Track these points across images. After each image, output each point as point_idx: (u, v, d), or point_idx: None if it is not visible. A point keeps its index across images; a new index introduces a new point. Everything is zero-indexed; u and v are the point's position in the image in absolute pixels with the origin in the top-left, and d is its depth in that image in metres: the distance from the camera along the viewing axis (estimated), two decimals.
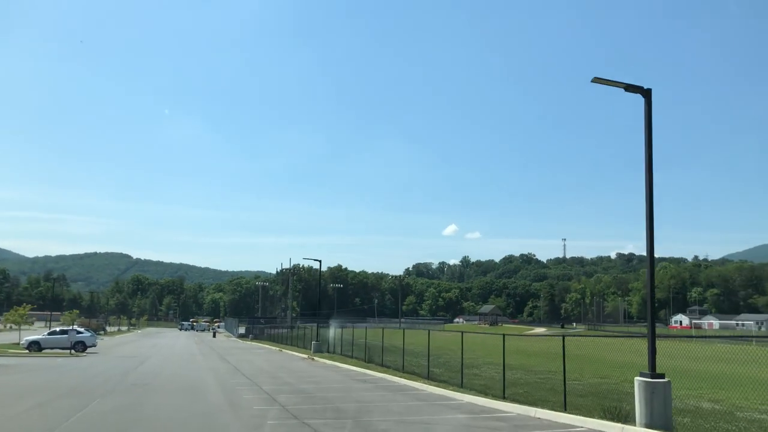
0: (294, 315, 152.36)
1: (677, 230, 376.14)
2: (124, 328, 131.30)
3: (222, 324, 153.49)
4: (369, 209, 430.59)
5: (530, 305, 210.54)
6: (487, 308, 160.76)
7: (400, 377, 25.35)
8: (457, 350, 36.80)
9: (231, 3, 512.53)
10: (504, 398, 18.54)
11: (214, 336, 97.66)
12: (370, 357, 33.53)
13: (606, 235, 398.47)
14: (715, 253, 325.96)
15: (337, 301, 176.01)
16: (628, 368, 25.77)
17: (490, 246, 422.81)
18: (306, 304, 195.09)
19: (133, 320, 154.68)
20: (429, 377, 24.49)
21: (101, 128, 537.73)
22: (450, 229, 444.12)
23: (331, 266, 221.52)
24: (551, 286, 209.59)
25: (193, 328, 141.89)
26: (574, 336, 28.74)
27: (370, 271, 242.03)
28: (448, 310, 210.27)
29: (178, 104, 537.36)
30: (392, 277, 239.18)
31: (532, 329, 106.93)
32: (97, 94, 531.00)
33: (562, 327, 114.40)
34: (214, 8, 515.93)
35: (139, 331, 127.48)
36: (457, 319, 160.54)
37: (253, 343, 72.07)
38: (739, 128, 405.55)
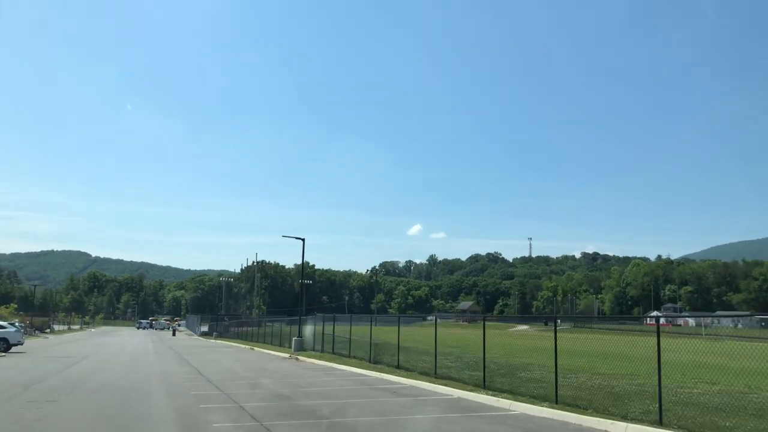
0: (260, 312, 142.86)
1: (638, 231, 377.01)
2: (76, 327, 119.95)
3: (183, 322, 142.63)
4: (334, 209, 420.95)
5: (501, 303, 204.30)
6: (465, 305, 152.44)
7: (443, 385, 17.26)
8: (470, 347, 29.11)
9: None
10: (660, 423, 10.82)
11: (174, 334, 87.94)
12: (376, 356, 25.28)
13: (567, 235, 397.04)
14: (674, 254, 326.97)
15: (305, 299, 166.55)
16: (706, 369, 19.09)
17: (455, 246, 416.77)
18: (272, 302, 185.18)
19: (87, 318, 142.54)
20: (485, 386, 16.47)
21: (59, 123, 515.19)
22: (415, 229, 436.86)
23: (298, 263, 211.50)
24: (522, 284, 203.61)
25: (151, 327, 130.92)
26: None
27: (335, 269, 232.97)
28: (418, 308, 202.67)
29: (141, 99, 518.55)
30: (360, 274, 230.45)
31: (515, 326, 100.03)
32: (55, 88, 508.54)
33: (545, 324, 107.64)
34: (181, 3, 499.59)
35: (93, 330, 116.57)
36: (430, 317, 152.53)
37: (218, 341, 62.91)
38: (697, 133, 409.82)
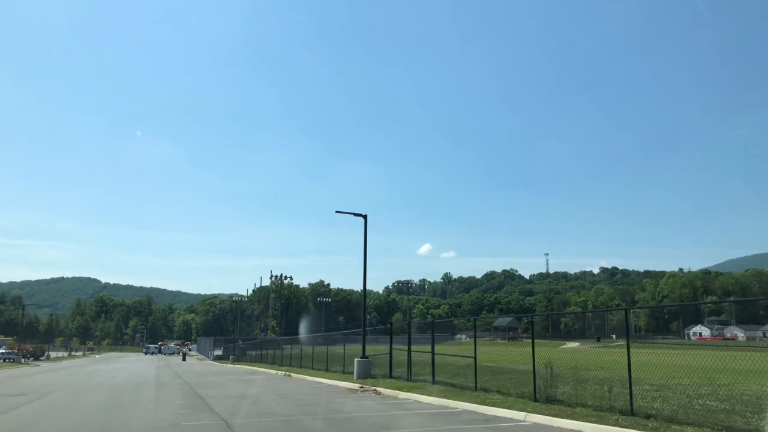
0: (277, 334, 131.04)
1: (649, 246, 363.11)
2: (78, 353, 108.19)
3: (194, 346, 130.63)
4: (341, 230, 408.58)
5: (525, 320, 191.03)
6: (502, 321, 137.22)
7: None
8: (614, 369, 18.14)
9: (203, 25, 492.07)
10: None
11: (184, 359, 76.26)
12: (548, 392, 13.58)
13: (577, 252, 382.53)
14: (693, 268, 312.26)
15: (323, 319, 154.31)
16: None
17: (465, 264, 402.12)
18: (287, 323, 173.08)
19: (91, 344, 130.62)
20: None
21: (69, 150, 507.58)
22: (425, 249, 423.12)
23: (313, 282, 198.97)
24: (548, 299, 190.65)
25: (160, 352, 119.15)
26: None
27: (347, 289, 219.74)
28: (439, 326, 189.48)
29: (148, 126, 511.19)
30: (376, 294, 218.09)
31: (564, 344, 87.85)
32: (63, 116, 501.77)
33: (598, 341, 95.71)
34: (186, 30, 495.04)
35: (97, 356, 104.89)
36: (459, 336, 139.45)
37: (237, 365, 51.06)
38: (702, 149, 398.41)
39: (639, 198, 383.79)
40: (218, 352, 75.23)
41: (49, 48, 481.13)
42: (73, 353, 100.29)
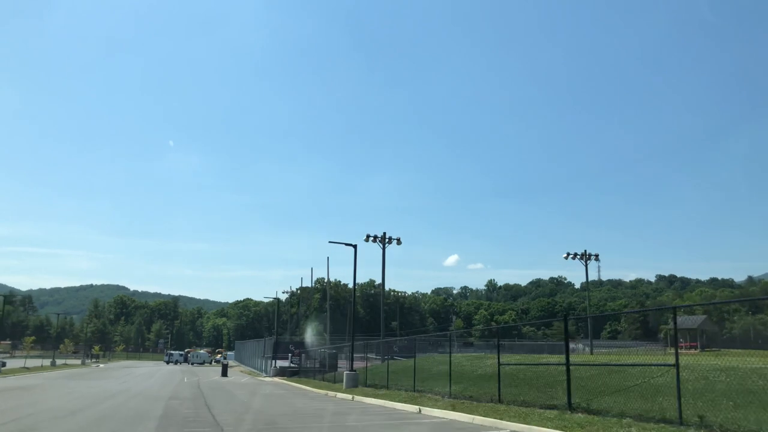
0: (324, 339, 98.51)
1: (697, 255, 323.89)
2: (75, 361, 76.13)
3: (230, 354, 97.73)
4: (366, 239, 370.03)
5: (608, 328, 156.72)
6: (694, 320, 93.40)
7: None
8: None
9: (236, 39, 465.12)
10: None
11: (225, 373, 43.44)
12: None
13: (613, 261, 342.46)
14: (740, 277, 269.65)
15: (398, 322, 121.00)
16: None
17: (495, 275, 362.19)
18: (333, 328, 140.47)
19: (97, 349, 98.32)
20: None
21: (101, 160, 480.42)
22: (452, 260, 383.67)
23: (361, 282, 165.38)
24: (640, 304, 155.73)
25: (186, 361, 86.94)
26: None
27: (399, 290, 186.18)
28: (505, 335, 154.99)
29: (178, 137, 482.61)
30: (432, 297, 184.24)
31: None
32: (94, 127, 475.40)
33: None
34: (221, 43, 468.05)
35: (100, 366, 73.48)
36: (574, 346, 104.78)
37: (425, 411, 17.65)
38: (746, 152, 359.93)
39: (678, 207, 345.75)
40: (282, 363, 42.16)
41: (82, 59, 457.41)
42: (56, 362, 67.54)
